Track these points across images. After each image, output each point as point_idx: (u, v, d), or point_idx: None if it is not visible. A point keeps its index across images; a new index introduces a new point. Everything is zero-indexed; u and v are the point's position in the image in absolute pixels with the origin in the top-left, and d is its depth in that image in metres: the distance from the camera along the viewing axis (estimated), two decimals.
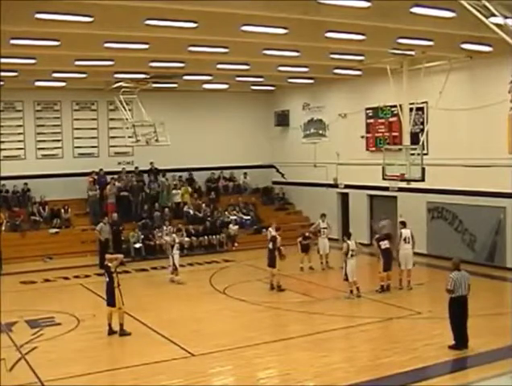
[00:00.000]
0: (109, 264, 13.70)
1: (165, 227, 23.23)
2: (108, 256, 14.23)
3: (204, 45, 16.33)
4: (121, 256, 14.94)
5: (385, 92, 21.36)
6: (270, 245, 17.62)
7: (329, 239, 20.88)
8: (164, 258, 22.54)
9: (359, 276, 16.69)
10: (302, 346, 12.71)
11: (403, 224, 17.76)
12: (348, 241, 16.58)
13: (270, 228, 19.38)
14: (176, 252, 19.04)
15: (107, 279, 13.63)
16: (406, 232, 17.30)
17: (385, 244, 16.96)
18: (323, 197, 26.55)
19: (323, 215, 21.15)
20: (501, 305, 15.30)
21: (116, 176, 25.92)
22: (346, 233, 17.49)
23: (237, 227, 25.32)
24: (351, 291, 16.33)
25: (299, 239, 20.25)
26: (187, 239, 22.97)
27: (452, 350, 11.83)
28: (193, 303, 16.74)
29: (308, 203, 27.74)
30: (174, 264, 18.88)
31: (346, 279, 16.34)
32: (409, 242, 17.14)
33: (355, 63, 20.08)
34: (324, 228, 20.73)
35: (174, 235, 19.54)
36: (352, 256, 16.36)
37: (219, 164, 28.26)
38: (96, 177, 25.58)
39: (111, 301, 13.47)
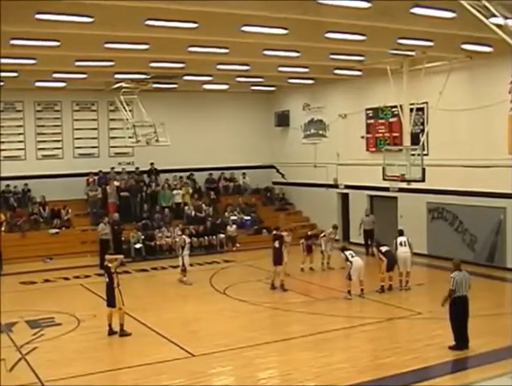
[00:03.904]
0: (109, 265, 13.70)
1: (166, 229, 23.36)
2: (108, 256, 14.20)
3: (204, 45, 16.33)
4: (121, 256, 14.93)
5: (385, 93, 21.34)
6: (277, 244, 17.58)
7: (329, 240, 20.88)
8: (164, 258, 22.67)
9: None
10: (303, 346, 12.72)
11: (400, 233, 17.88)
12: (345, 252, 16.75)
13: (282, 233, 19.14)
14: (186, 253, 18.99)
15: (107, 279, 13.63)
16: (401, 238, 17.45)
17: (385, 248, 17.08)
18: (323, 197, 26.56)
19: (335, 227, 21.29)
20: (502, 306, 15.33)
21: (112, 175, 25.96)
22: (341, 248, 17.51)
23: (234, 227, 25.28)
24: (349, 291, 16.34)
25: (302, 240, 20.24)
26: (188, 240, 22.96)
27: (453, 350, 11.82)
28: (193, 303, 16.74)
29: (308, 204, 27.75)
30: (183, 265, 18.83)
31: (349, 278, 16.34)
32: (405, 245, 17.23)
33: (355, 63, 20.10)
34: (333, 238, 20.98)
35: (184, 236, 19.51)
36: (353, 256, 16.44)
37: (219, 164, 28.26)
38: (95, 178, 25.60)
39: (111, 302, 13.47)
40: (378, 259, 17.14)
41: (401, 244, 17.27)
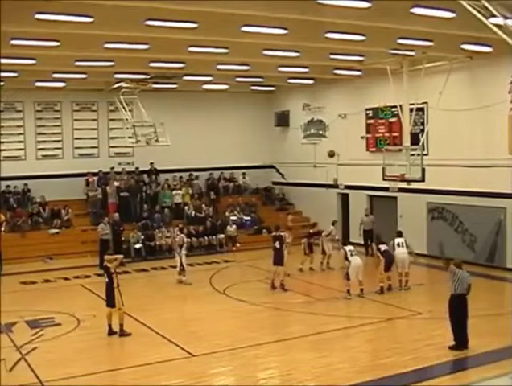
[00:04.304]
0: (109, 265, 13.69)
1: (166, 229, 23.39)
2: (107, 257, 14.17)
3: (204, 45, 16.33)
4: (120, 256, 14.93)
5: (385, 93, 21.34)
6: (277, 245, 17.57)
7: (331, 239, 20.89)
8: (164, 259, 22.65)
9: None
10: (302, 346, 12.72)
11: (398, 234, 17.95)
12: (345, 247, 16.88)
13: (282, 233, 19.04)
14: (184, 253, 18.98)
15: (106, 280, 13.62)
16: (398, 239, 17.53)
17: (384, 247, 17.16)
18: (323, 197, 26.55)
19: (335, 222, 21.48)
20: (501, 306, 15.34)
21: (112, 175, 25.98)
22: (342, 242, 17.76)
23: (235, 227, 25.29)
24: (348, 291, 16.36)
25: (304, 239, 20.23)
26: (186, 239, 22.96)
27: (453, 350, 11.81)
28: (193, 303, 16.74)
29: (308, 204, 27.73)
30: (182, 265, 18.82)
31: (347, 278, 16.39)
32: (403, 246, 17.30)
33: (355, 63, 20.10)
34: (335, 235, 20.97)
35: (182, 234, 19.49)
36: (352, 255, 16.50)
37: (219, 164, 28.26)
38: (94, 178, 25.58)
39: (111, 302, 13.46)
40: (376, 257, 17.23)
41: (398, 245, 17.35)
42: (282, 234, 18.03)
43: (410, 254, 17.31)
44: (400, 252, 17.20)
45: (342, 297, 16.34)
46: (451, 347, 11.86)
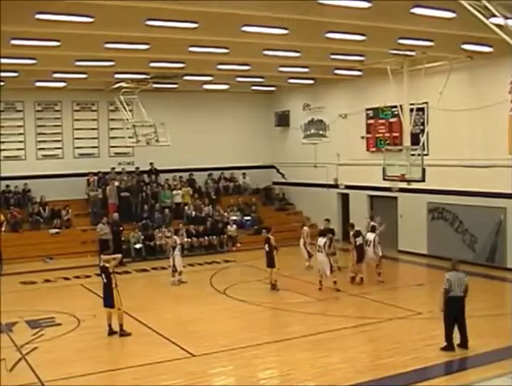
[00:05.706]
0: (107, 265, 13.65)
1: (166, 229, 23.40)
2: (104, 256, 14.11)
3: (205, 45, 16.34)
4: (119, 255, 14.91)
5: (385, 93, 21.34)
6: (266, 247, 17.77)
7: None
8: (165, 258, 22.61)
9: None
10: (302, 346, 12.71)
11: (372, 228, 18.38)
12: (319, 238, 17.46)
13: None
14: (177, 254, 18.97)
15: (105, 280, 13.56)
16: (369, 235, 18.14)
17: (359, 240, 17.98)
18: (323, 198, 26.57)
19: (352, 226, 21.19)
20: (502, 306, 15.32)
21: (112, 175, 25.98)
22: (319, 233, 18.30)
23: (235, 227, 25.30)
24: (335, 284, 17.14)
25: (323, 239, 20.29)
26: (187, 239, 23.02)
27: (445, 351, 11.77)
28: (193, 303, 16.72)
29: (309, 204, 27.75)
30: (174, 266, 18.81)
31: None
32: (369, 245, 17.93)
33: (355, 63, 20.09)
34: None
35: (175, 236, 19.46)
36: (318, 251, 17.16)
37: (219, 164, 28.28)
38: (95, 178, 25.59)
39: (109, 302, 13.43)
40: (353, 243, 18.22)
41: (366, 242, 18.09)
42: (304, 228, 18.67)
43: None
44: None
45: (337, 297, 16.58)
46: (442, 349, 11.83)
